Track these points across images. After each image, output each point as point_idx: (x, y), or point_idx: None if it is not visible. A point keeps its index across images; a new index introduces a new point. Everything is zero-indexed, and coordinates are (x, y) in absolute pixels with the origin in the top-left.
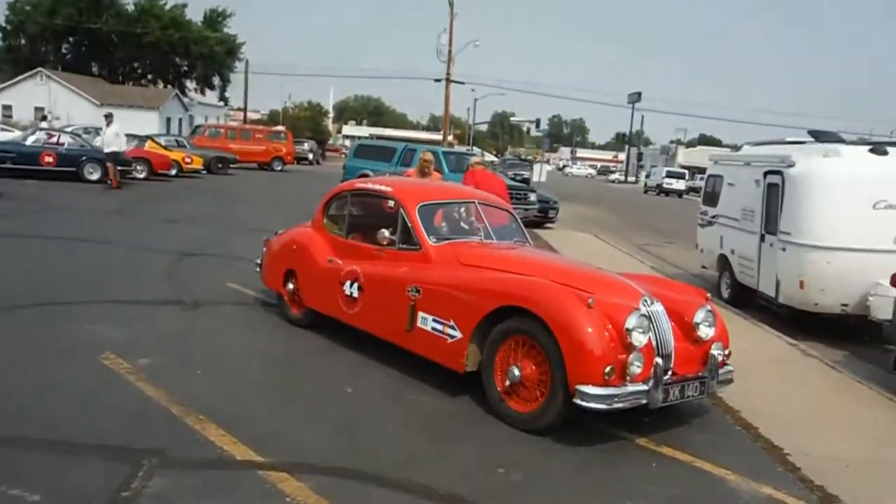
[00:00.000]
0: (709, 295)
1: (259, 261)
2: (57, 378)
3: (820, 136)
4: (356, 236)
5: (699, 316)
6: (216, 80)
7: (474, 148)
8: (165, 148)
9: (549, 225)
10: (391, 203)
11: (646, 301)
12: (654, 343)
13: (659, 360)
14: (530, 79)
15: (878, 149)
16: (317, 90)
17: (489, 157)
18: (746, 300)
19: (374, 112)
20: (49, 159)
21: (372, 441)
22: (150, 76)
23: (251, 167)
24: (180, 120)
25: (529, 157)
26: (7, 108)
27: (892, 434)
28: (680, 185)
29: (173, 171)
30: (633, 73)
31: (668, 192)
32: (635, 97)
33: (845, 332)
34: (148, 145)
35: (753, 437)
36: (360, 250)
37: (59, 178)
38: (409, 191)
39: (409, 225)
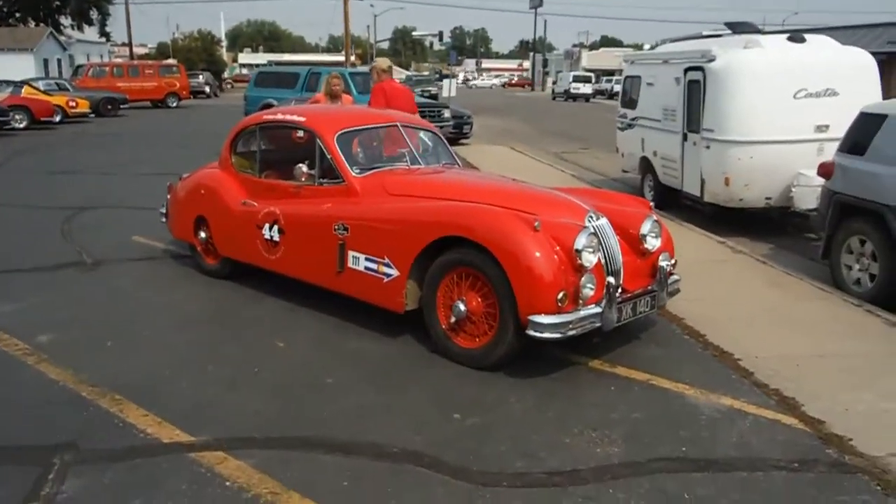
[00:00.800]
0: (651, 203)
1: (164, 209)
2: None
3: (737, 28)
4: (270, 174)
5: (645, 227)
6: (94, 14)
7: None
8: (45, 93)
9: (463, 141)
10: (306, 134)
11: (591, 217)
12: (603, 261)
13: (611, 280)
14: None
15: (797, 37)
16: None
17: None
18: (670, 202)
19: (269, 37)
20: None
21: (313, 401)
22: (18, 14)
23: (144, 106)
24: (59, 60)
25: (448, 73)
26: None
27: (831, 326)
28: (587, 88)
29: (57, 118)
30: None
31: (576, 97)
32: (537, 2)
33: (768, 227)
34: (25, 91)
35: (703, 346)
36: (277, 189)
37: None
38: (325, 119)
39: (329, 157)
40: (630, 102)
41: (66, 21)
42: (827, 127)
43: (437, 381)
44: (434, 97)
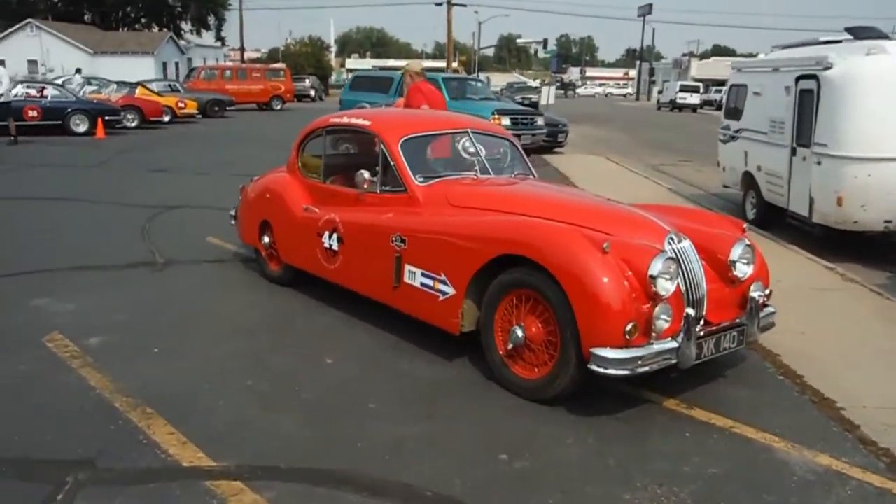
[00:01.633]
0: (746, 226)
1: (233, 212)
2: None
3: (859, 33)
4: (335, 180)
5: (735, 252)
6: (212, 20)
7: (480, 74)
8: (158, 94)
9: (558, 150)
10: (370, 139)
11: (672, 239)
12: (683, 289)
13: (690, 311)
14: None
15: None
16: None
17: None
18: (774, 220)
19: (377, 44)
20: (33, 113)
21: (350, 428)
22: (143, 20)
23: (250, 108)
24: (177, 64)
25: (557, 81)
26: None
27: None
28: (694, 98)
29: (166, 118)
30: None
31: (681, 108)
32: (646, 9)
33: (885, 252)
34: (139, 92)
35: (800, 389)
36: (339, 196)
37: (46, 132)
38: (390, 123)
39: (392, 163)
40: (734, 113)
41: (185, 26)
42: None
43: (488, 412)
44: (535, 105)
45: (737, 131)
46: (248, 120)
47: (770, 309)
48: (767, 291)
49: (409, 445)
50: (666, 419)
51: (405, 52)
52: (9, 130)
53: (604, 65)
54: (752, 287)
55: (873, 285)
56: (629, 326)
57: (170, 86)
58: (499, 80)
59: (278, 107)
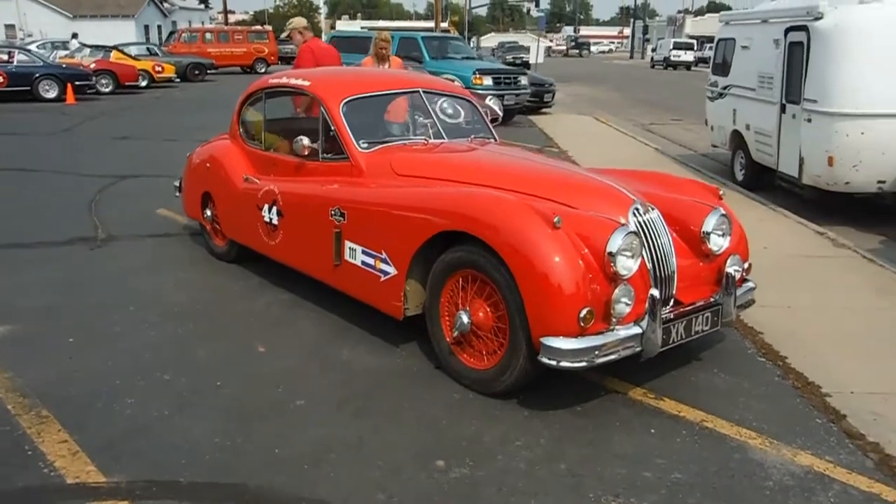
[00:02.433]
0: (722, 192)
1: (177, 183)
2: None
3: None
4: (276, 147)
5: (709, 223)
6: None
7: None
8: (134, 58)
9: (545, 110)
10: (310, 101)
11: (637, 210)
12: (649, 267)
13: (655, 292)
14: None
15: None
16: None
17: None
18: (764, 182)
19: (368, 5)
20: None
21: (270, 431)
22: None
23: (233, 71)
24: (159, 27)
25: (572, 39)
26: None
27: None
28: (688, 56)
29: (143, 83)
30: None
31: (676, 65)
32: None
33: (879, 215)
34: (113, 56)
35: (782, 373)
36: (280, 165)
37: (14, 98)
38: (330, 83)
39: (333, 128)
40: (722, 68)
41: None
42: None
43: (431, 409)
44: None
45: (724, 88)
46: (229, 84)
47: (749, 284)
48: (746, 265)
49: (333, 451)
50: (630, 413)
51: (396, 12)
52: None
53: (598, 23)
54: (728, 261)
55: (865, 251)
56: (584, 312)
57: (148, 49)
58: (492, 42)
59: (262, 70)
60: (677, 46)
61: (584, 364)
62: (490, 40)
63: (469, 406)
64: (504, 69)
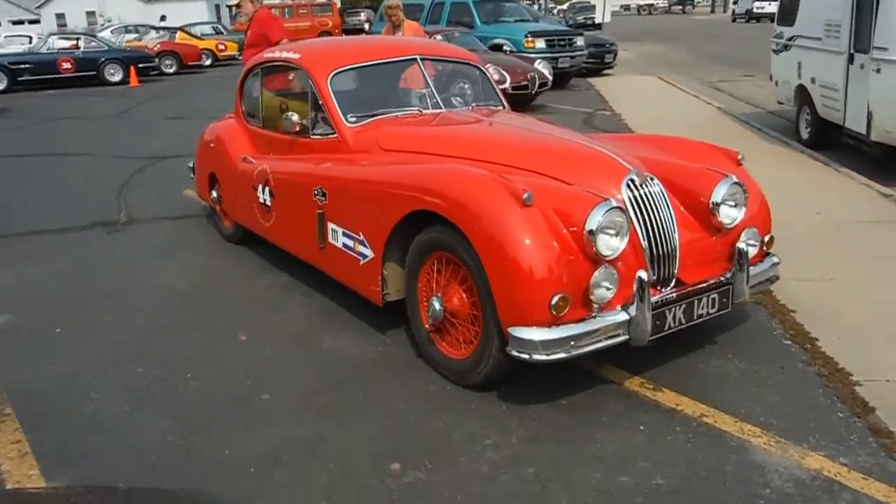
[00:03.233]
0: (740, 157)
1: (191, 164)
2: None
3: None
4: (272, 124)
5: (719, 193)
6: None
7: None
8: (198, 38)
9: (607, 71)
10: (299, 76)
11: (631, 182)
12: (644, 245)
13: (642, 274)
14: None
15: None
16: None
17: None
18: (831, 140)
19: None
20: (67, 65)
21: (226, 429)
22: None
23: None
24: (229, 7)
25: None
26: (60, 16)
27: None
28: (772, 7)
29: (207, 61)
30: None
31: (759, 18)
32: None
33: None
34: (178, 37)
35: (808, 358)
36: (275, 143)
37: (82, 83)
38: (318, 55)
39: (320, 102)
40: (788, 17)
41: None
42: None
43: (403, 403)
44: (599, 26)
45: (790, 39)
46: None
47: (773, 259)
48: (766, 238)
49: (287, 452)
50: (622, 406)
51: None
52: (49, 85)
53: None
54: (742, 235)
55: None
56: (556, 299)
57: (214, 28)
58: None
59: None
60: None
61: (560, 356)
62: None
63: (444, 399)
64: (559, 30)
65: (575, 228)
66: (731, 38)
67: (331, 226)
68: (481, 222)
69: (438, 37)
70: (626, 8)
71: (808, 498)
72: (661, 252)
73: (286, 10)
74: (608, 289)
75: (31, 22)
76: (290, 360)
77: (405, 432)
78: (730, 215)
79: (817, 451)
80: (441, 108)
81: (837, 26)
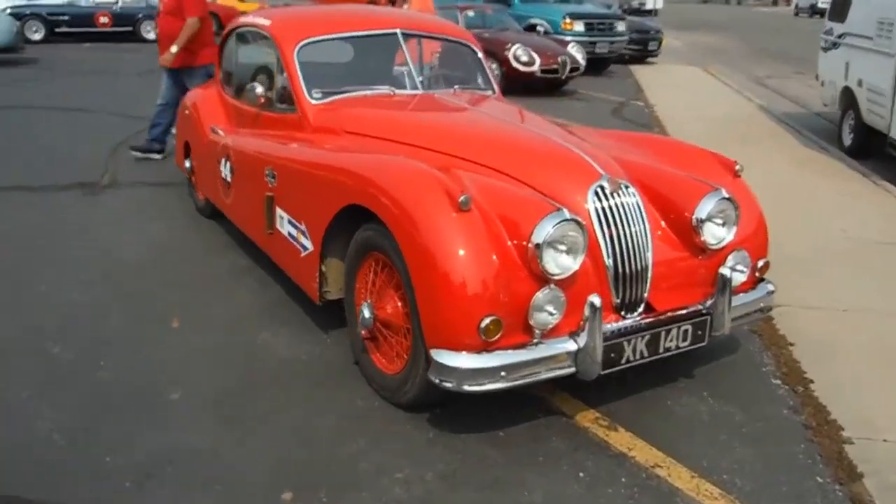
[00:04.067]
0: (738, 167)
1: (174, 130)
2: None
3: None
4: (242, 95)
5: (704, 208)
6: None
7: None
8: (241, 1)
9: (650, 59)
10: (268, 44)
11: (601, 189)
12: (607, 262)
13: (595, 299)
14: None
15: None
16: None
17: None
18: (875, 149)
19: None
20: (104, 20)
21: (116, 432)
22: None
23: None
24: None
25: None
26: None
27: None
28: None
29: None
30: None
31: (822, 13)
32: None
33: None
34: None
35: (797, 404)
36: (242, 115)
37: (118, 38)
38: (289, 23)
39: (285, 74)
40: (839, 12)
41: None
42: None
43: (322, 417)
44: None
45: (839, 36)
46: None
47: (768, 287)
48: (761, 263)
49: (172, 465)
50: (565, 445)
51: None
52: (86, 38)
53: None
54: (728, 259)
55: None
56: (486, 321)
57: None
58: None
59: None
60: None
61: (489, 387)
62: None
63: (367, 418)
64: (599, 13)
65: (519, 241)
66: (790, 32)
67: (279, 211)
68: (411, 225)
69: (470, 12)
70: None
71: None
72: (628, 272)
73: None
74: (551, 314)
75: None
76: (215, 354)
77: (310, 455)
78: (716, 235)
79: None
80: (419, 89)
81: (891, 25)
